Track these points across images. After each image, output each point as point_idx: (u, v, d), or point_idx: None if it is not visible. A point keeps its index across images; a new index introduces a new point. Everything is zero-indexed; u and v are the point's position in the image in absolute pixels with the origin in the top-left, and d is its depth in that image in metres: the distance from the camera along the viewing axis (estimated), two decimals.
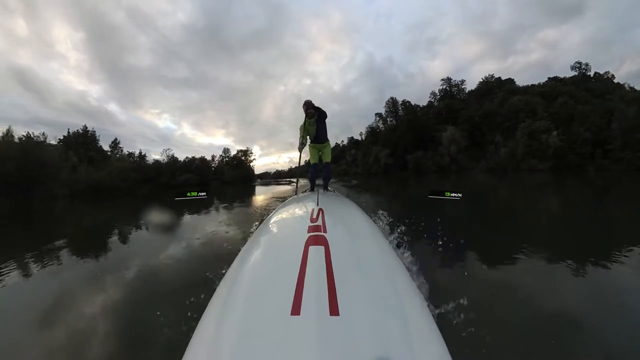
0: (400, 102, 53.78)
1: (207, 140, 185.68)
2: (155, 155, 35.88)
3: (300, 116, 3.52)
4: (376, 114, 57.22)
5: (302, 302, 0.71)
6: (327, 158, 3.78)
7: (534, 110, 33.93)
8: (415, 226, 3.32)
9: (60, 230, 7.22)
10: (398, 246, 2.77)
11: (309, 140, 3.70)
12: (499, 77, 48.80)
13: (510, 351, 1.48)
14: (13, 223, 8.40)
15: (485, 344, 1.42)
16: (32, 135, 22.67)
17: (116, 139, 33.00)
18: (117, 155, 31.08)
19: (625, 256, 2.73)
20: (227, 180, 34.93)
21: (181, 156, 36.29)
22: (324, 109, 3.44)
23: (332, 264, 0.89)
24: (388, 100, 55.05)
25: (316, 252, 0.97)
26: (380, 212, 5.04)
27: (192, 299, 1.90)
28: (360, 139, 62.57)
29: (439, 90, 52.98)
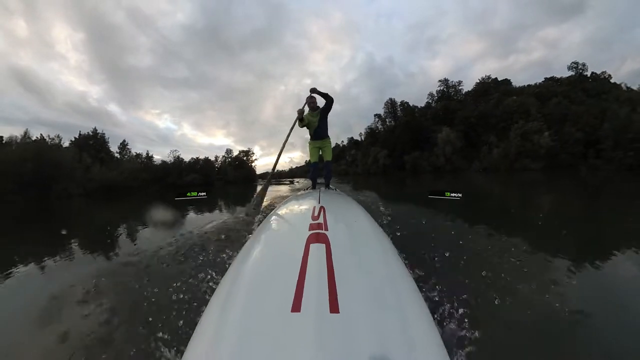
0: (399, 103, 54.99)
1: (208, 140, 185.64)
2: (156, 155, 36.80)
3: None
4: (375, 115, 58.43)
5: (303, 299, 0.72)
6: (328, 156, 3.70)
7: (528, 111, 34.82)
8: (414, 226, 3.30)
9: (83, 225, 7.78)
10: (398, 245, 2.90)
11: (308, 137, 3.68)
12: (496, 78, 49.69)
13: (509, 351, 1.47)
14: (37, 220, 8.91)
15: (483, 344, 1.40)
16: (47, 138, 24.22)
17: (124, 140, 34.49)
18: (126, 157, 32.60)
19: (624, 254, 2.72)
20: (230, 180, 36.20)
21: (182, 156, 37.65)
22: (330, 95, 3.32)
23: (333, 262, 0.90)
24: (387, 101, 56.24)
25: (317, 249, 0.99)
26: (380, 209, 5.16)
27: (193, 295, 1.89)
28: (360, 140, 63.68)
29: (436, 91, 54.03)
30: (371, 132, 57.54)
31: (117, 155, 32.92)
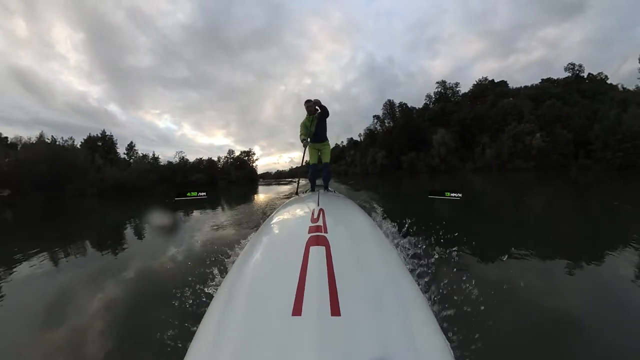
0: (397, 105, 56.04)
1: (208, 140, 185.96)
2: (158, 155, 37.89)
3: (302, 115, 3.61)
4: (374, 116, 59.59)
5: (304, 302, 0.71)
6: (327, 158, 3.78)
7: (521, 113, 35.73)
8: (412, 225, 3.37)
9: (102, 222, 8.09)
10: (399, 246, 2.76)
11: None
12: (492, 80, 50.55)
13: (513, 351, 1.47)
14: (59, 218, 9.14)
15: (487, 344, 1.40)
16: (61, 140, 25.84)
17: (132, 142, 36.13)
18: (133, 158, 34.22)
19: (621, 253, 2.73)
20: (233, 180, 37.51)
21: (186, 157, 38.82)
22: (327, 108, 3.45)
23: (333, 264, 0.90)
24: (385, 103, 57.38)
25: (317, 252, 0.98)
26: (378, 209, 5.09)
27: (193, 298, 1.90)
28: (359, 140, 64.80)
29: (434, 92, 55.03)
30: (370, 133, 58.71)
31: (124, 156, 34.63)
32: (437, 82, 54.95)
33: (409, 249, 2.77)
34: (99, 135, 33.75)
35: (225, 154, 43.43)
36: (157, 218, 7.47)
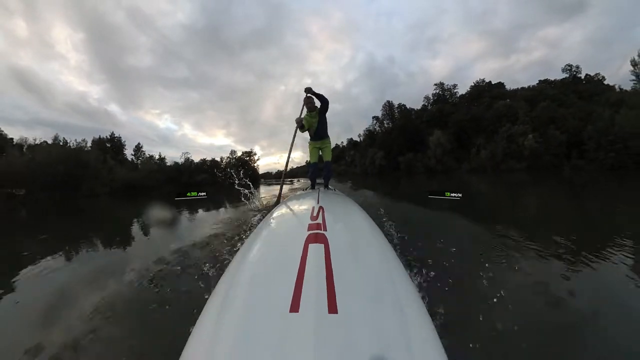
0: (396, 106, 57.09)
1: (208, 140, 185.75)
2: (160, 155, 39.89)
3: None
4: (373, 117, 60.72)
5: (301, 299, 0.72)
6: (328, 157, 3.74)
7: (516, 114, 36.57)
8: (411, 225, 3.31)
9: (121, 220, 8.26)
10: (396, 246, 2.76)
11: (308, 138, 3.68)
12: (490, 82, 51.32)
13: (508, 350, 1.47)
14: (81, 217, 9.43)
15: (482, 344, 1.41)
16: (75, 142, 27.37)
17: (139, 143, 37.68)
18: (140, 159, 35.73)
19: (619, 253, 2.74)
20: None
21: (191, 158, 40.28)
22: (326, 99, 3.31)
23: (332, 262, 0.91)
24: (385, 104, 58.48)
25: (316, 250, 1.00)
26: (376, 208, 5.15)
27: (191, 294, 1.90)
28: (359, 140, 65.87)
29: (432, 94, 56.00)
30: (369, 134, 59.81)
31: (132, 157, 36.16)
32: (435, 84, 55.96)
33: (406, 248, 2.74)
34: (108, 137, 35.33)
35: (228, 155, 44.78)
36: (164, 215, 7.71)
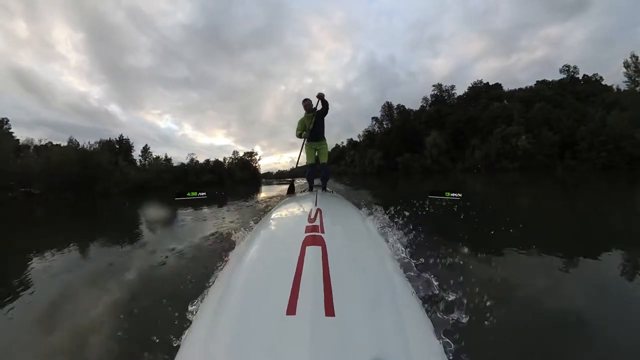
0: (395, 107, 58.14)
1: (209, 140, 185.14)
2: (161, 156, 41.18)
3: (302, 113, 3.67)
4: (373, 118, 61.78)
5: (298, 302, 0.71)
6: (324, 158, 3.74)
7: (511, 116, 37.41)
8: (409, 226, 3.41)
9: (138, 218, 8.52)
10: (393, 248, 2.64)
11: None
12: (487, 83, 52.09)
13: (506, 352, 1.47)
14: (104, 216, 9.70)
15: (481, 345, 1.41)
16: (88, 144, 29.02)
17: (147, 145, 39.26)
18: (147, 160, 37.33)
19: (617, 252, 2.75)
20: (238, 180, 39.86)
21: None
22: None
23: (329, 265, 0.90)
24: (384, 105, 59.52)
25: (313, 252, 0.99)
26: (374, 209, 5.06)
27: (188, 295, 1.88)
28: (359, 141, 66.97)
29: (430, 95, 56.97)
30: (369, 134, 60.87)
31: (140, 158, 37.77)
32: (434, 85, 56.88)
33: (403, 250, 2.78)
34: (117, 139, 36.98)
35: (230, 155, 46.16)
36: (166, 214, 7.89)
